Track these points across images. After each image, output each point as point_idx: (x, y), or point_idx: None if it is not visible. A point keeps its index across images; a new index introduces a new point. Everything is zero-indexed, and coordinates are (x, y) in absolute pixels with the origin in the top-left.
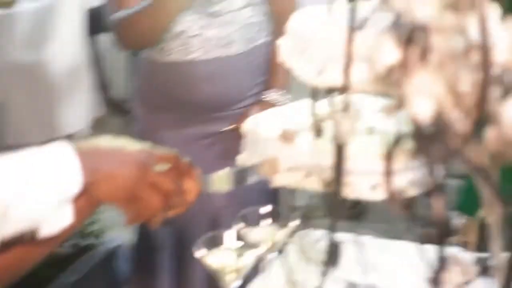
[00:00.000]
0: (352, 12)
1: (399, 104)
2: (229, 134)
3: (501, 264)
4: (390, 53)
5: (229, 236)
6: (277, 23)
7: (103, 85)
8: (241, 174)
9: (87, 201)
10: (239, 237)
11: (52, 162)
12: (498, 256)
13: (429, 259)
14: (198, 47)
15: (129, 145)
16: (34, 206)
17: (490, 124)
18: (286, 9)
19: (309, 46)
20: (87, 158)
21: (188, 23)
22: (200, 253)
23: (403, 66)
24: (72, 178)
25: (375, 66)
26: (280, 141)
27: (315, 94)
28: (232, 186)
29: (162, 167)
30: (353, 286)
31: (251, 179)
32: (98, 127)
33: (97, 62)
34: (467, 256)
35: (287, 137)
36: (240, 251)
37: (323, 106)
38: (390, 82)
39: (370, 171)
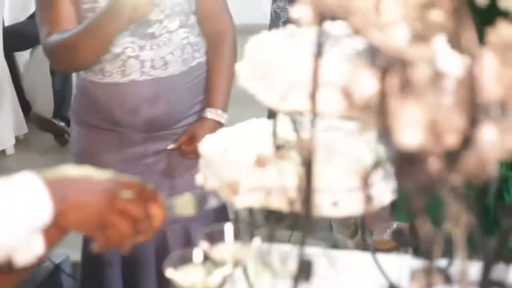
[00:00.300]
0: (319, 36)
1: (365, 128)
2: (172, 152)
3: (464, 272)
4: (369, 83)
5: (197, 254)
6: (211, 43)
7: (25, 101)
8: (203, 198)
9: (56, 229)
10: (205, 255)
11: (21, 193)
12: (463, 265)
13: (385, 269)
14: (136, 69)
15: (94, 174)
16: (6, 237)
17: (466, 148)
18: (220, 29)
19: (270, 71)
20: (55, 187)
21: (126, 45)
22: (170, 271)
23: (381, 96)
24: (42, 209)
25: (351, 95)
26: (254, 167)
27: (274, 116)
28: (195, 210)
29: (127, 194)
30: None
31: (213, 203)
32: (23, 145)
33: (17, 80)
34: (431, 265)
35: (261, 162)
36: (208, 269)
37: (283, 127)
38: (366, 110)
39: (331, 189)
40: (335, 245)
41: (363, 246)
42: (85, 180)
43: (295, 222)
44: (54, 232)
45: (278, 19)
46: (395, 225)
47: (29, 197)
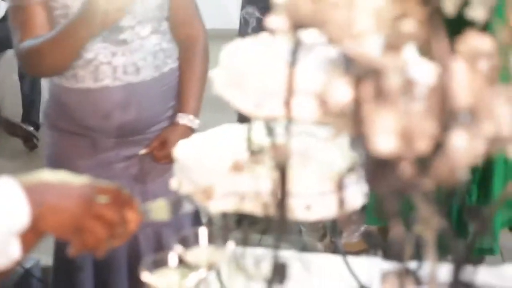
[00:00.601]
0: (294, 45)
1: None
2: (143, 157)
3: (434, 274)
4: (344, 91)
5: (171, 257)
6: (183, 49)
7: None
8: (177, 203)
9: (33, 233)
10: (180, 259)
11: None
12: (432, 267)
13: (356, 271)
14: (108, 74)
15: (71, 179)
16: None
17: (437, 154)
18: (192, 35)
19: (245, 78)
20: (32, 192)
21: (98, 51)
22: (145, 275)
23: (356, 104)
24: (20, 213)
25: (326, 102)
26: (230, 172)
27: (244, 120)
28: (170, 215)
29: (103, 199)
30: None
31: (187, 208)
32: None
33: None
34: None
35: (238, 167)
36: (182, 272)
37: (256, 132)
38: (340, 117)
39: (304, 193)
40: (304, 248)
41: (332, 248)
42: (62, 185)
43: (268, 226)
44: (31, 236)
45: (247, 26)
46: (363, 227)
47: (6, 201)
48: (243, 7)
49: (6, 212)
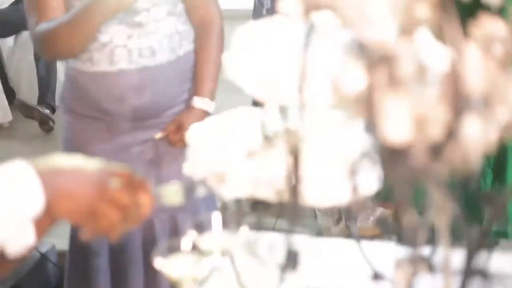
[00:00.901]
0: (309, 28)
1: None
2: (159, 141)
3: (448, 261)
4: (357, 77)
5: (185, 243)
6: (198, 31)
7: (9, 88)
8: (191, 187)
9: (47, 218)
10: (193, 245)
11: (13, 182)
12: (446, 254)
13: (370, 257)
14: (123, 57)
15: (84, 163)
16: None
17: (449, 141)
18: (207, 17)
19: (258, 62)
20: (46, 177)
21: (113, 33)
22: (159, 261)
23: (370, 90)
24: (34, 198)
25: (341, 88)
26: (246, 158)
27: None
28: (184, 199)
29: (116, 183)
30: None
31: (201, 192)
32: (8, 132)
33: (1, 67)
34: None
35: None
36: (196, 258)
37: (271, 116)
38: (355, 102)
39: (317, 179)
40: (319, 232)
41: (347, 232)
42: (75, 170)
43: (282, 210)
44: (45, 221)
45: (262, 7)
46: (378, 212)
47: (21, 186)
48: None
49: (21, 198)
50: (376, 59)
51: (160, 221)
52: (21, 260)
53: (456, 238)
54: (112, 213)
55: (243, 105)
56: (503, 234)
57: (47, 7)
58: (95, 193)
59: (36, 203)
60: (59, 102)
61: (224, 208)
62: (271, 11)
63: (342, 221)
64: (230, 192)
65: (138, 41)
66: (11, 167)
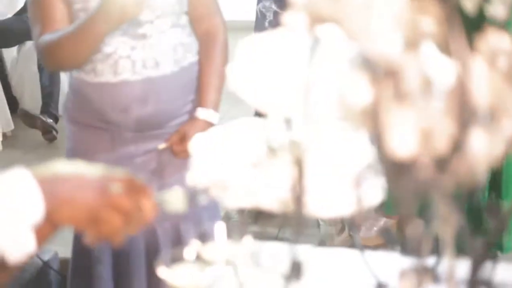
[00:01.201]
0: (314, 42)
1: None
2: (162, 152)
3: (452, 272)
4: (364, 91)
5: (188, 253)
6: (202, 43)
7: (11, 99)
8: (194, 195)
9: (48, 225)
10: (197, 254)
11: (12, 190)
12: (450, 265)
13: (373, 267)
14: (127, 68)
15: (84, 169)
16: None
17: (455, 154)
18: (212, 29)
19: (261, 75)
20: (46, 184)
21: (117, 45)
22: (162, 270)
23: (376, 103)
24: (34, 206)
25: (346, 101)
26: (250, 168)
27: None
28: (186, 206)
29: (117, 188)
30: None
31: (204, 199)
32: (11, 142)
33: (4, 76)
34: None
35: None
36: (199, 268)
37: (275, 128)
38: (360, 116)
39: (321, 190)
40: (322, 241)
41: (350, 242)
42: (76, 176)
43: (286, 221)
44: (46, 228)
45: (264, 19)
46: (382, 222)
47: (20, 194)
48: (259, 1)
49: (20, 205)
50: (382, 73)
51: (163, 230)
52: (22, 267)
53: (460, 249)
54: (114, 218)
55: (246, 116)
56: (499, 247)
57: (51, 18)
58: (97, 199)
59: (36, 210)
60: (63, 112)
61: (227, 218)
62: (274, 23)
63: (345, 231)
64: (233, 202)
65: (142, 53)
66: (11, 175)
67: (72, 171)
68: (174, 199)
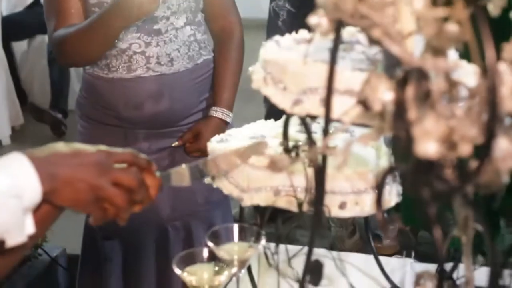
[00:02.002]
0: (336, 42)
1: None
2: (175, 150)
3: (470, 278)
4: (386, 93)
5: (203, 253)
6: (218, 41)
7: (22, 91)
8: (199, 169)
9: (50, 208)
10: (211, 255)
11: (8, 174)
12: (469, 270)
13: (388, 272)
14: (141, 64)
15: (85, 147)
16: None
17: (481, 158)
18: (228, 27)
19: (284, 75)
20: (44, 166)
21: (132, 40)
22: (178, 270)
23: (397, 105)
24: (30, 190)
25: (369, 103)
26: (268, 170)
27: (273, 114)
28: (190, 181)
29: (121, 166)
30: None
31: (205, 176)
32: (20, 136)
33: (14, 70)
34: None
35: (275, 164)
36: (214, 268)
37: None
38: (381, 118)
39: (339, 190)
40: (333, 244)
41: (360, 245)
42: (74, 154)
43: (302, 221)
44: (49, 210)
45: (277, 18)
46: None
47: (17, 178)
48: None
49: (16, 189)
50: (405, 75)
51: (173, 229)
52: (24, 251)
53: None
54: (118, 196)
55: (257, 114)
56: None
57: (67, 13)
58: (98, 177)
59: (32, 194)
60: (75, 108)
61: (240, 217)
62: (287, 22)
63: (356, 234)
64: (250, 200)
65: (156, 49)
66: (6, 159)
67: (70, 149)
68: (179, 175)
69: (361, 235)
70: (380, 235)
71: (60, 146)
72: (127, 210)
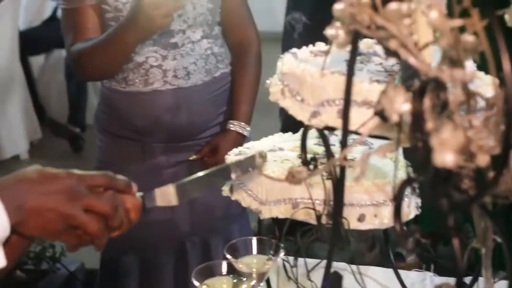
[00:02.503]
0: (352, 55)
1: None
2: (193, 163)
3: None
4: (404, 104)
5: (222, 266)
6: (236, 54)
7: (39, 106)
8: (185, 189)
9: (19, 239)
10: (230, 268)
11: None
12: (489, 283)
13: (408, 285)
14: (158, 78)
15: (55, 172)
16: None
17: (499, 169)
18: (245, 40)
19: (301, 87)
20: (10, 197)
21: (148, 54)
22: (196, 283)
23: (416, 116)
24: None
25: (386, 114)
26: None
27: (288, 127)
28: (177, 201)
29: (93, 189)
30: None
31: (195, 194)
32: (38, 150)
33: (31, 84)
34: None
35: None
36: (233, 281)
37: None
38: (399, 129)
39: (357, 203)
40: (352, 258)
41: (380, 259)
42: (43, 180)
43: (321, 233)
44: (18, 241)
45: (293, 31)
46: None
47: None
48: (288, 12)
49: None
50: (423, 86)
51: (192, 244)
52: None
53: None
54: (90, 223)
55: (274, 128)
56: None
57: (84, 27)
58: (68, 204)
59: (0, 228)
60: (94, 122)
61: (258, 230)
62: (303, 35)
63: (376, 248)
64: (269, 213)
65: (173, 62)
66: None
67: (40, 175)
68: (165, 195)
69: (381, 249)
70: (402, 254)
71: (29, 172)
72: (102, 236)
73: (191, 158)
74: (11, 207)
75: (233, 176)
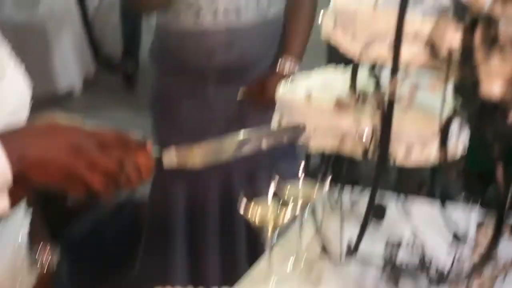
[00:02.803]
0: None
1: (446, 81)
2: (242, 101)
3: None
4: (454, 37)
5: (268, 191)
6: None
7: (94, 43)
8: (219, 149)
9: (21, 186)
10: (276, 193)
11: None
12: None
13: (452, 218)
14: (209, 16)
15: (64, 126)
16: None
17: None
18: None
19: (354, 22)
20: (13, 146)
21: None
22: (242, 206)
23: (466, 49)
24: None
25: (436, 47)
26: (334, 110)
27: (356, 66)
28: (203, 162)
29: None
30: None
31: (225, 156)
32: (91, 86)
33: (87, 20)
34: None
35: (340, 106)
36: (278, 206)
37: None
38: (448, 62)
39: (405, 137)
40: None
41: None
42: (47, 132)
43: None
44: (21, 188)
45: None
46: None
47: None
48: None
49: None
50: (474, 21)
51: (238, 175)
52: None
53: None
54: (93, 178)
55: (319, 65)
56: None
57: None
58: (69, 157)
59: (2, 176)
60: (148, 57)
61: (307, 161)
62: None
63: (423, 190)
64: (317, 144)
65: (224, 2)
66: None
67: (44, 125)
68: (194, 155)
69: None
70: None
71: (38, 124)
72: (107, 192)
73: (239, 97)
74: (13, 157)
75: (263, 146)
